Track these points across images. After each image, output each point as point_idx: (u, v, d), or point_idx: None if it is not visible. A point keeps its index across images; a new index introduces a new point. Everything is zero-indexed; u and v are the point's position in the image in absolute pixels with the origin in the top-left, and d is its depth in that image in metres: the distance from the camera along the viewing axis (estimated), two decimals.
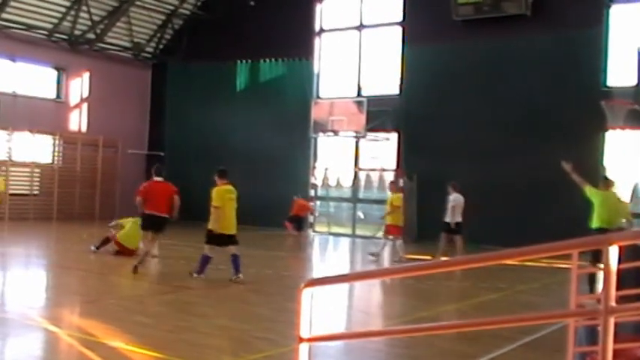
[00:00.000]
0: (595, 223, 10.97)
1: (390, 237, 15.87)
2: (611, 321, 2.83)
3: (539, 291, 12.40)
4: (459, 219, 14.95)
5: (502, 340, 7.47)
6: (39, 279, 12.56)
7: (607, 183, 11.43)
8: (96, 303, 9.64)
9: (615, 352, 2.84)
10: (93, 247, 14.83)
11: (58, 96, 25.05)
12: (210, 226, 11.67)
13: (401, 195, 16.15)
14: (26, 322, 8.04)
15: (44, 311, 8.99)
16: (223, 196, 11.66)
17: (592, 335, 3.68)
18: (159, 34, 26.69)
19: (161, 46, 27.16)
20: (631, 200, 18.71)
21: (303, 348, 3.80)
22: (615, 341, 2.84)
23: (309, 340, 3.85)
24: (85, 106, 25.65)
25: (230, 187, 11.91)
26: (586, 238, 3.07)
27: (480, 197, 19.91)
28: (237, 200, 11.94)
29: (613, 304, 2.84)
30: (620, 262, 2.90)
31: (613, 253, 2.86)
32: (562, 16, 19.15)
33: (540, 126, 19.18)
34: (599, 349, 2.84)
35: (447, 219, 15.03)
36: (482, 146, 19.94)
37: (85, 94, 25.62)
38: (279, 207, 22.07)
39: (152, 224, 12.68)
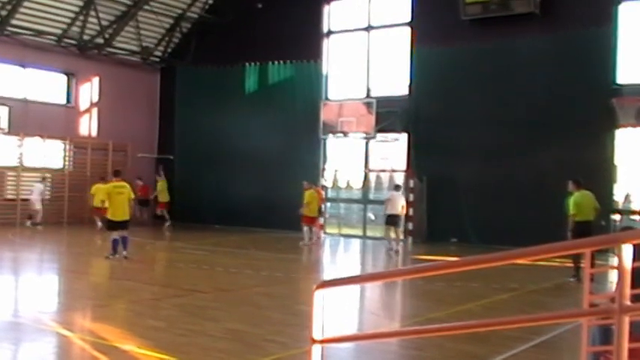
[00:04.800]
0: (576, 218, 12.87)
1: (305, 226, 19.38)
2: (626, 320, 2.81)
3: (551, 290, 12.34)
4: (393, 212, 17.95)
5: (514, 341, 7.44)
6: (51, 284, 12.60)
7: (579, 184, 13.20)
8: (107, 307, 9.67)
9: (630, 352, 2.81)
10: None
11: (68, 101, 25.16)
12: (108, 215, 14.36)
13: (310, 192, 19.39)
14: (39, 326, 8.07)
15: (56, 316, 9.02)
16: (111, 191, 14.26)
17: (606, 335, 3.65)
18: (167, 38, 26.75)
19: (169, 50, 27.22)
20: None
21: (316, 349, 3.80)
22: (630, 340, 2.81)
23: (322, 341, 3.84)
24: (94, 110, 25.75)
25: (120, 184, 14.47)
26: (599, 237, 3.05)
27: (490, 197, 19.90)
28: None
29: (627, 302, 2.82)
30: (633, 260, 2.87)
31: (627, 251, 2.84)
32: (571, 13, 19.05)
33: (550, 125, 19.06)
34: (613, 349, 2.82)
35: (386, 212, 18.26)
36: (492, 146, 19.87)
37: (95, 98, 25.72)
38: (288, 209, 22.04)
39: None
